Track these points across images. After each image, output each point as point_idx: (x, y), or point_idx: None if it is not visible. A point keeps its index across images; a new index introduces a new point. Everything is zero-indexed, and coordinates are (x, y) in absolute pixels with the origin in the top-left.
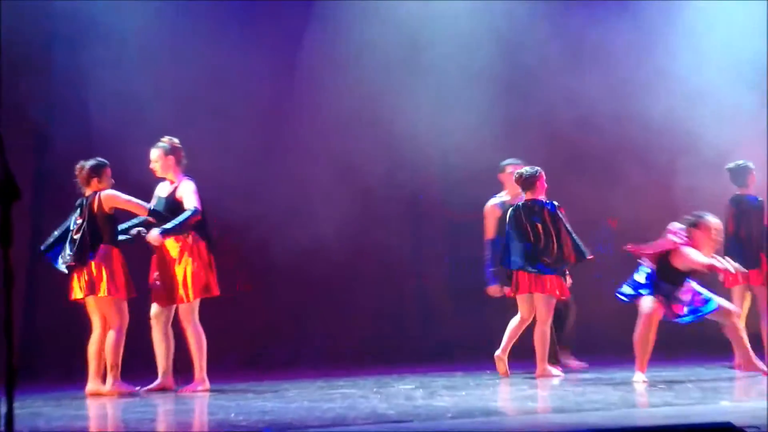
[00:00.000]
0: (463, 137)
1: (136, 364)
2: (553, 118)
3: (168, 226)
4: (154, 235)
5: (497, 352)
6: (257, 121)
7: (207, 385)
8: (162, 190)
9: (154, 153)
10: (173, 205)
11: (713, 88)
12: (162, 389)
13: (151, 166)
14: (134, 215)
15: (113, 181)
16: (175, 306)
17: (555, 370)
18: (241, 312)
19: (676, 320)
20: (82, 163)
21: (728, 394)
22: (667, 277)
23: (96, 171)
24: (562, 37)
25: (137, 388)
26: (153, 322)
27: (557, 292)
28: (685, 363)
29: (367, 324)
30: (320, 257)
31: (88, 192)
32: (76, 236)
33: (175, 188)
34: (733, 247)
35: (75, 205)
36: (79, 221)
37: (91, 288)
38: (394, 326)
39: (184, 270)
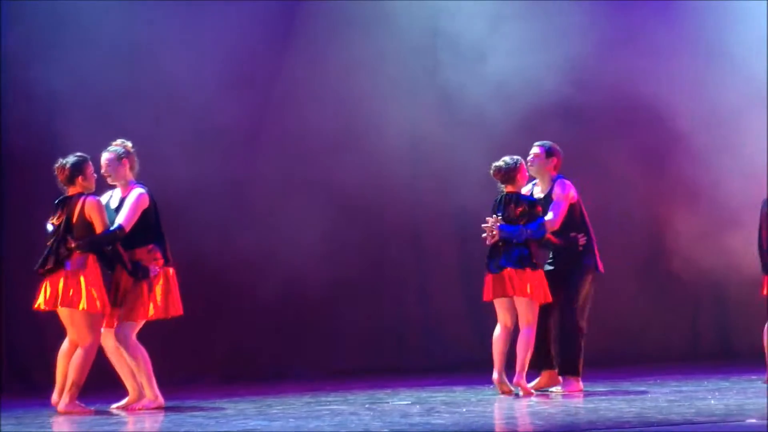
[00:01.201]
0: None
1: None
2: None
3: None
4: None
5: (494, 376)
6: (238, 125)
7: (160, 401)
8: (114, 201)
9: (106, 158)
10: None
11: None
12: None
13: (103, 172)
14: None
15: (96, 176)
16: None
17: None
18: (222, 321)
19: None
20: (61, 160)
21: (756, 412)
22: None
23: (79, 168)
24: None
25: (93, 408)
26: (102, 345)
27: (538, 294)
28: (708, 376)
29: (359, 334)
30: (307, 264)
31: (70, 191)
32: (51, 240)
33: (125, 199)
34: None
35: (55, 203)
36: (56, 223)
37: (66, 300)
38: (389, 336)
39: (118, 290)
